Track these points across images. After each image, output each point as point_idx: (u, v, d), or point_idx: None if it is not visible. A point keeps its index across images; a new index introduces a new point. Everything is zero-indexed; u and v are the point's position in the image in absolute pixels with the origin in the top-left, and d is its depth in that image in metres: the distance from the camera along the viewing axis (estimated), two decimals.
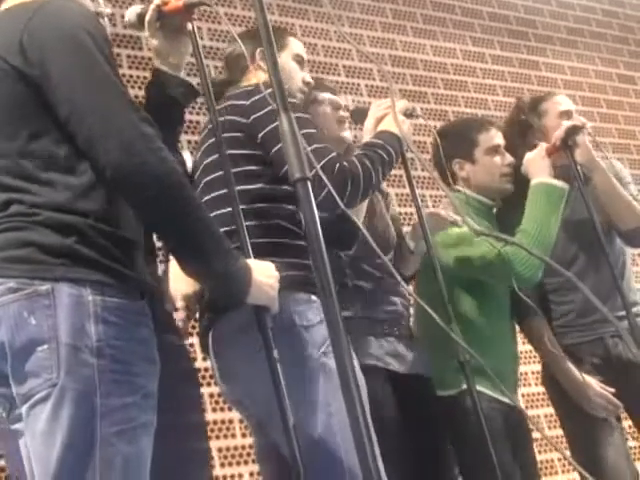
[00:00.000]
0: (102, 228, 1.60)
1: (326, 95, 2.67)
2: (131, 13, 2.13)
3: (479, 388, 2.40)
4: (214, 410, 3.53)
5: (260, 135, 2.16)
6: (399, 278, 1.61)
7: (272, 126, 2.13)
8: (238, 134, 2.18)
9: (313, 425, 1.97)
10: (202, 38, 4.43)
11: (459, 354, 2.32)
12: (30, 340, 1.53)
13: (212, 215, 2.09)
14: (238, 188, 2.06)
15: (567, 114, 3.04)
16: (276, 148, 2.11)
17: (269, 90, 1.86)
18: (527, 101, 3.16)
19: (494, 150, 2.88)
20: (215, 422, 3.52)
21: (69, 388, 1.52)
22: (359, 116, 2.58)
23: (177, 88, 2.07)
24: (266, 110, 2.15)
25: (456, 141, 2.90)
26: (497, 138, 2.90)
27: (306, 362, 2.02)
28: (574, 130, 2.81)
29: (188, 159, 2.37)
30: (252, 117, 2.18)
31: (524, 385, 4.47)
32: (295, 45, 2.49)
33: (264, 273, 1.77)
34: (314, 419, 1.98)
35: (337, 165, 2.11)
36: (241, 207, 1.93)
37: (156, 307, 1.96)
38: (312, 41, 4.95)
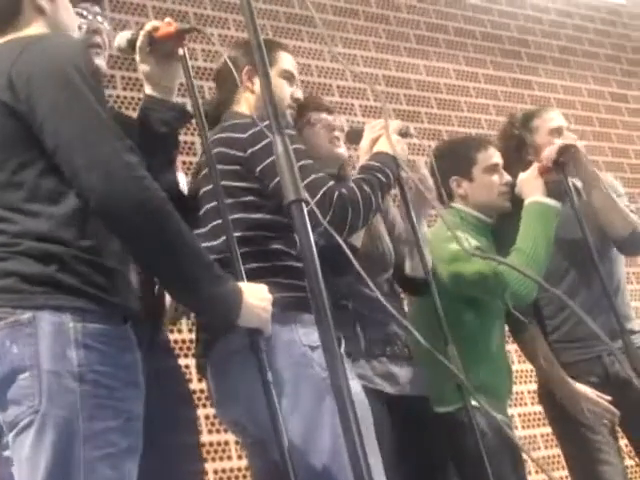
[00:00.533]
0: (84, 256, 1.62)
1: (321, 116, 2.67)
2: (121, 38, 2.12)
3: (476, 405, 2.40)
4: (210, 432, 3.52)
5: (258, 169, 2.17)
6: (391, 309, 1.61)
7: (270, 159, 2.14)
8: (235, 167, 2.18)
9: (321, 445, 1.98)
10: (196, 59, 4.45)
11: (456, 377, 2.32)
12: (12, 369, 1.56)
13: (217, 242, 2.10)
14: (239, 216, 2.07)
15: (558, 131, 3.05)
16: (276, 180, 2.12)
17: (266, 123, 1.87)
18: (519, 117, 3.17)
19: (492, 169, 2.90)
20: (211, 444, 3.51)
21: (51, 414, 1.54)
22: (354, 137, 2.58)
23: (168, 112, 2.07)
24: (263, 143, 2.15)
25: (454, 159, 2.93)
26: (495, 157, 2.93)
27: (313, 382, 2.02)
28: (565, 150, 2.82)
29: (182, 180, 2.37)
30: (249, 151, 2.18)
31: (520, 405, 4.46)
32: (284, 60, 2.46)
33: (256, 296, 1.78)
34: (322, 439, 1.98)
35: (336, 194, 2.12)
36: (245, 234, 1.93)
37: (151, 330, 1.96)
38: (306, 62, 4.97)
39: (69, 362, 1.56)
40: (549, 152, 2.83)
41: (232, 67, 2.15)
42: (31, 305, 1.58)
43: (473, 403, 2.36)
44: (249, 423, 2.13)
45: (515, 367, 4.21)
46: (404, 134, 2.51)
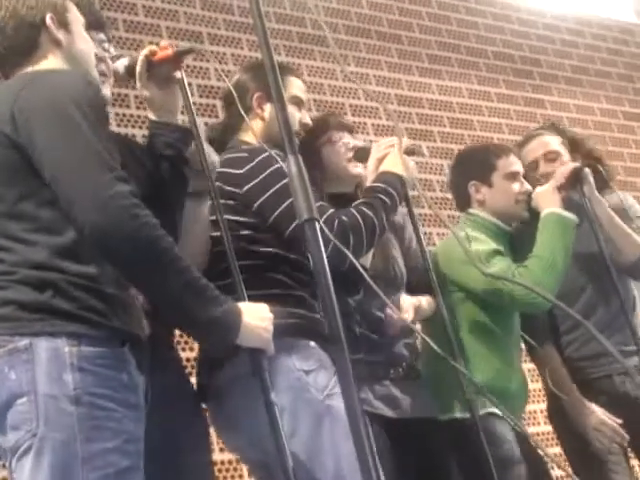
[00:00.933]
0: (81, 282, 1.66)
1: (342, 134, 2.66)
2: (119, 65, 2.12)
3: (495, 411, 2.46)
4: (221, 450, 3.51)
5: (256, 204, 2.18)
6: (410, 324, 1.61)
7: (268, 194, 2.16)
8: (231, 202, 2.17)
9: (322, 469, 1.97)
10: (209, 78, 4.48)
11: (466, 392, 2.32)
12: (10, 395, 1.60)
13: (219, 269, 2.10)
14: (236, 246, 2.06)
15: (513, 176, 2.98)
16: (276, 213, 2.14)
17: (274, 151, 1.89)
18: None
19: (512, 176, 2.89)
20: (222, 462, 3.50)
21: (49, 437, 1.57)
22: (362, 155, 2.57)
23: (172, 134, 2.08)
24: (260, 178, 2.17)
25: (474, 164, 2.94)
26: (516, 165, 2.92)
27: (311, 406, 2.02)
28: (575, 172, 2.82)
29: None
30: (246, 187, 2.19)
31: (533, 424, 4.44)
32: (293, 86, 2.44)
33: (256, 315, 1.79)
34: (323, 462, 1.98)
35: (336, 221, 2.12)
36: (241, 263, 1.93)
37: (159, 348, 1.96)
38: (319, 81, 4.99)
39: (65, 385, 1.59)
40: (561, 172, 2.84)
41: (236, 95, 2.16)
42: (28, 332, 1.62)
43: (489, 410, 2.37)
44: (251, 449, 2.13)
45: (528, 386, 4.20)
46: (411, 152, 2.49)
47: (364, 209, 2.20)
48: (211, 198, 2.00)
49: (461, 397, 2.40)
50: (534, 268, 2.64)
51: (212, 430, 3.40)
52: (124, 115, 4.07)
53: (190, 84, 4.59)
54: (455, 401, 2.58)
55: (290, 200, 2.08)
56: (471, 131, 5.47)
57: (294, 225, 2.08)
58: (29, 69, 1.83)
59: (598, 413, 2.80)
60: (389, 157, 2.40)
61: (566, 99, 6.11)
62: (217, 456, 3.47)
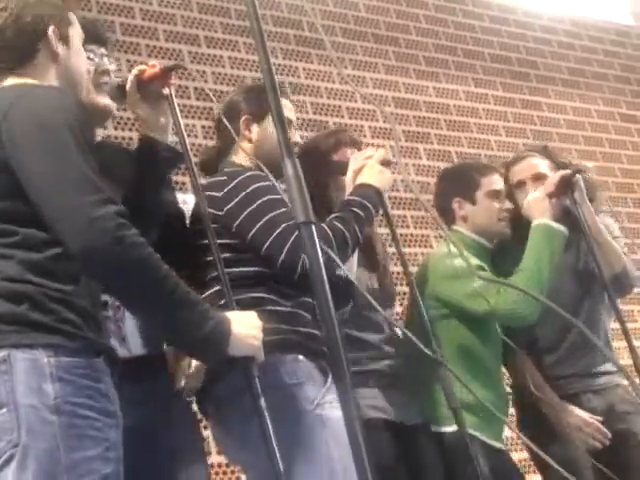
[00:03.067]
0: (55, 295, 1.65)
1: (353, 151, 2.70)
2: (111, 85, 2.14)
3: (470, 432, 2.44)
4: (219, 453, 3.51)
5: (235, 225, 2.20)
6: (409, 334, 1.62)
7: (245, 213, 2.18)
8: (213, 225, 2.14)
9: (318, 476, 1.99)
10: (206, 81, 4.48)
11: (450, 401, 2.32)
12: None
13: (209, 292, 2.14)
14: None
15: (496, 194, 3.00)
16: (252, 232, 2.17)
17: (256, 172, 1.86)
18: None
19: (494, 194, 2.94)
20: (219, 465, 3.50)
21: (31, 446, 1.56)
22: (341, 168, 2.57)
23: (161, 153, 2.09)
24: (237, 200, 2.19)
25: (459, 181, 2.98)
26: (499, 184, 2.96)
27: (302, 418, 2.04)
28: (567, 179, 2.83)
29: (191, 201, 2.38)
30: (225, 209, 2.21)
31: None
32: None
33: (245, 324, 1.80)
34: (318, 471, 1.99)
35: None
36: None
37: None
38: (315, 84, 5.00)
39: (45, 395, 1.59)
40: (551, 179, 2.85)
41: (225, 117, 2.21)
42: (6, 344, 1.61)
43: (470, 431, 2.38)
44: (244, 464, 2.17)
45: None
46: (387, 163, 2.49)
47: (335, 223, 2.22)
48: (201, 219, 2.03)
49: (446, 407, 2.40)
50: (518, 282, 2.67)
51: (210, 433, 3.39)
52: (121, 118, 4.07)
53: (187, 87, 4.61)
54: (439, 412, 2.60)
55: (265, 219, 2.13)
56: (468, 133, 5.48)
57: (269, 243, 2.14)
58: (18, 80, 1.82)
59: (578, 412, 2.81)
60: (365, 169, 2.41)
61: (563, 101, 6.12)
62: (215, 458, 3.47)
